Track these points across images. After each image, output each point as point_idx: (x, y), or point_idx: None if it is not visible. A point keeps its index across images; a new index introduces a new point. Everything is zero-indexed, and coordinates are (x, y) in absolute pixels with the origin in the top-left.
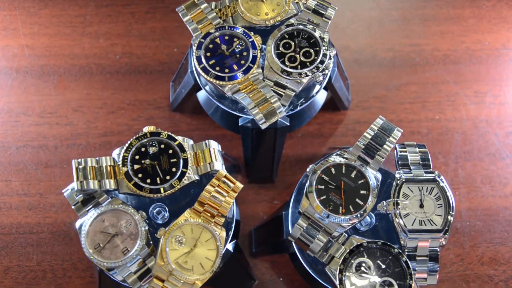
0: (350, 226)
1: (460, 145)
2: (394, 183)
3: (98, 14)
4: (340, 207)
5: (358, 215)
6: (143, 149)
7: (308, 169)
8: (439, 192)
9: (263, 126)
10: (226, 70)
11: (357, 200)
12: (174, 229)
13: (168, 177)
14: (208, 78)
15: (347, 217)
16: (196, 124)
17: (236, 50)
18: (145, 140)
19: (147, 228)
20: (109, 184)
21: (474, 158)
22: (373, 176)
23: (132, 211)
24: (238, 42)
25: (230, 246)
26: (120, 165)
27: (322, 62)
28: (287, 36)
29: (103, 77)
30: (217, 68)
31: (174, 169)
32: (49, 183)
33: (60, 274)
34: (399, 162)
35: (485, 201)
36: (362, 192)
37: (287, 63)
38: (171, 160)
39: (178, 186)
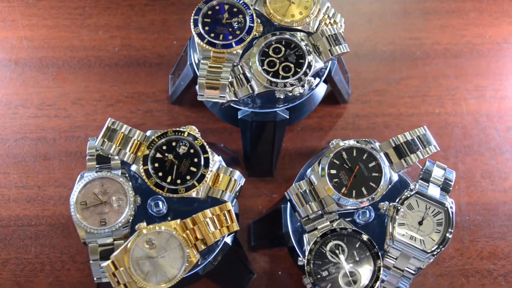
0: (345, 209)
1: (460, 140)
2: (405, 191)
3: (97, 6)
4: (344, 188)
5: (358, 202)
6: (173, 143)
7: (332, 141)
8: (444, 219)
9: (199, 98)
10: (212, 35)
11: (363, 189)
12: (152, 230)
13: (178, 181)
14: (193, 29)
15: (346, 199)
16: (195, 117)
17: (233, 25)
18: (181, 136)
19: (134, 212)
20: (127, 157)
21: (474, 152)
22: (389, 175)
23: (130, 191)
24: (239, 19)
25: (228, 240)
26: (145, 146)
27: (291, 84)
28: (283, 43)
29: (102, 70)
30: (206, 28)
31: (188, 177)
32: (48, 176)
33: (58, 267)
34: (421, 176)
35: (484, 196)
36: (371, 184)
37: (265, 64)
38: (191, 168)
39: (181, 195)
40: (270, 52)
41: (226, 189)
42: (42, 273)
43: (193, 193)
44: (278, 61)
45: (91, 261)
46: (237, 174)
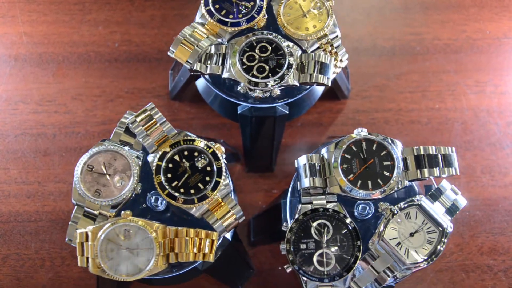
0: (349, 195)
1: (460, 135)
2: (408, 198)
3: (97, 2)
4: (352, 175)
5: (360, 193)
6: (195, 153)
7: (357, 129)
8: (436, 239)
9: (169, 53)
10: (217, 6)
11: (369, 182)
12: (134, 223)
13: (182, 190)
14: None
15: (357, 190)
16: (195, 112)
17: (240, 7)
18: (206, 150)
19: (130, 197)
20: (149, 144)
21: (475, 148)
22: (400, 179)
23: (135, 177)
24: (247, 5)
25: (228, 235)
26: (169, 143)
27: (262, 85)
28: (273, 45)
29: (102, 65)
30: None
31: (192, 191)
32: (48, 171)
33: (58, 263)
34: (432, 192)
35: (485, 191)
36: (379, 180)
37: (244, 58)
38: (199, 184)
39: (178, 204)
40: (256, 48)
41: (220, 219)
42: (42, 268)
43: (190, 209)
44: (257, 59)
45: (70, 222)
46: (237, 209)
